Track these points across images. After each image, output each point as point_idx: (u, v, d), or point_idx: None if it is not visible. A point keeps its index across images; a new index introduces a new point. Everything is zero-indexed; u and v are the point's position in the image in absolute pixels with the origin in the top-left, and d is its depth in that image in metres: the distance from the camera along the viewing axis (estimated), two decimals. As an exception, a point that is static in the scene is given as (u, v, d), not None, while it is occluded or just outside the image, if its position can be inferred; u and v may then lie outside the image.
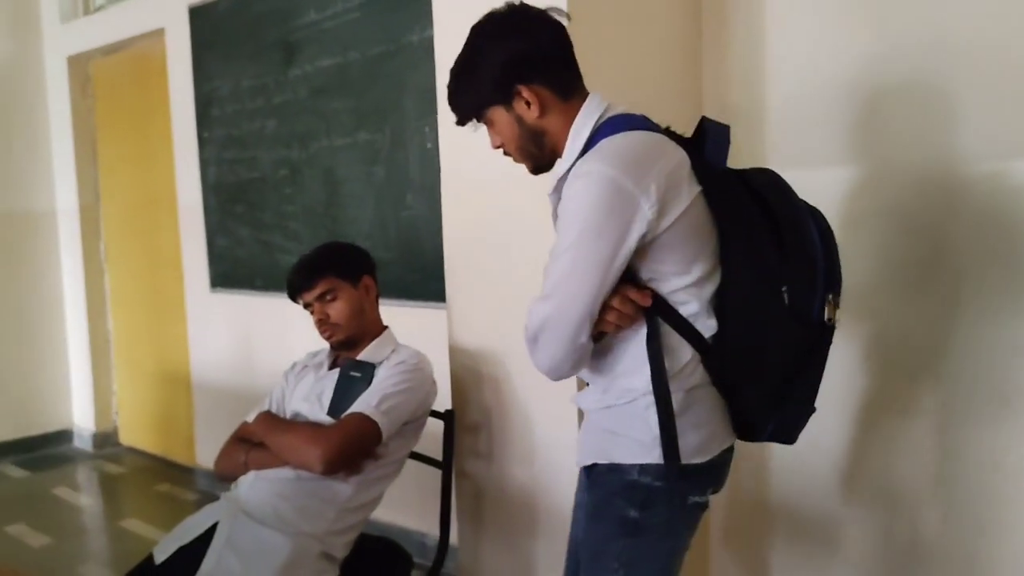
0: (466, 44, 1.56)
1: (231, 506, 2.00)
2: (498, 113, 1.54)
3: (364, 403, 2.00)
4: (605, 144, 1.44)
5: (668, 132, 1.54)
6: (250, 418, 2.23)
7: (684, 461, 1.47)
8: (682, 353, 1.47)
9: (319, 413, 2.09)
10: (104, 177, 5.02)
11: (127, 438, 5.14)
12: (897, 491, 2.21)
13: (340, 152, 3.40)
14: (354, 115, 3.31)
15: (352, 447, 1.97)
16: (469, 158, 2.30)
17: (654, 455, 1.47)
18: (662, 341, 1.46)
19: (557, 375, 1.48)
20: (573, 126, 1.51)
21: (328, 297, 2.14)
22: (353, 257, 2.24)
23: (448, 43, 2.25)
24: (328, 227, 3.51)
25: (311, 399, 2.13)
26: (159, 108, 4.41)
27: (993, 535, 2.08)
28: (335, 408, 2.06)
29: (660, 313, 1.46)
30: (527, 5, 1.56)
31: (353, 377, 2.09)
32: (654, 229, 1.40)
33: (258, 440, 2.11)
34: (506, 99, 1.52)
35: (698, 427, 1.49)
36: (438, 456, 2.24)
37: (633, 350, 1.48)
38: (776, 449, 2.39)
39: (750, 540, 2.50)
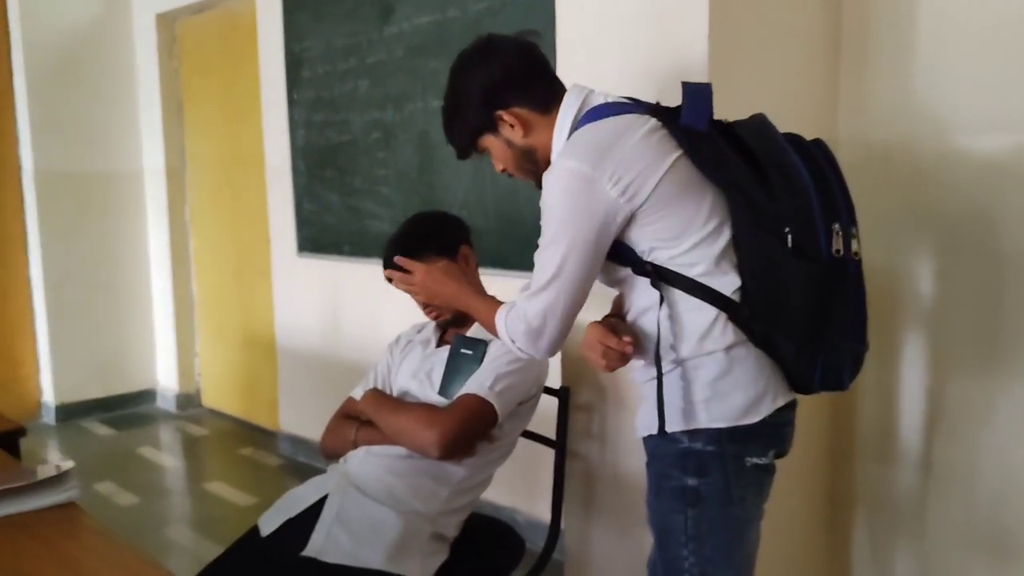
0: (448, 83, 1.68)
1: (341, 480, 1.92)
2: (489, 140, 1.65)
3: (478, 384, 1.89)
4: (571, 139, 1.54)
5: (655, 106, 1.58)
6: (356, 394, 2.14)
7: (732, 423, 1.48)
8: (703, 314, 1.48)
9: (429, 392, 1.99)
10: (190, 138, 5.00)
11: (209, 400, 5.17)
12: None
13: (436, 115, 3.22)
14: (452, 76, 3.19)
15: (468, 431, 1.87)
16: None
17: (700, 420, 1.49)
18: (677, 308, 1.49)
19: (546, 350, 1.55)
20: (555, 128, 1.59)
21: None
22: (448, 228, 2.11)
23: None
24: (421, 193, 3.41)
25: (420, 377, 2.02)
26: (247, 69, 4.35)
27: None
28: (446, 388, 1.96)
29: (665, 281, 1.49)
30: (493, 35, 1.68)
31: (464, 355, 1.98)
32: (632, 203, 1.45)
33: (367, 418, 2.02)
34: (492, 127, 1.62)
35: (745, 387, 1.49)
36: (544, 434, 2.12)
37: (651, 319, 1.53)
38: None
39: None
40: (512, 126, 1.60)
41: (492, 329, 1.64)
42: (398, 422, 1.92)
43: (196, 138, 4.97)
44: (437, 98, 3.23)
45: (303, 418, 4.26)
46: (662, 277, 1.50)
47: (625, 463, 2.15)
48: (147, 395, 5.30)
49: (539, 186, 1.63)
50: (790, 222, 1.45)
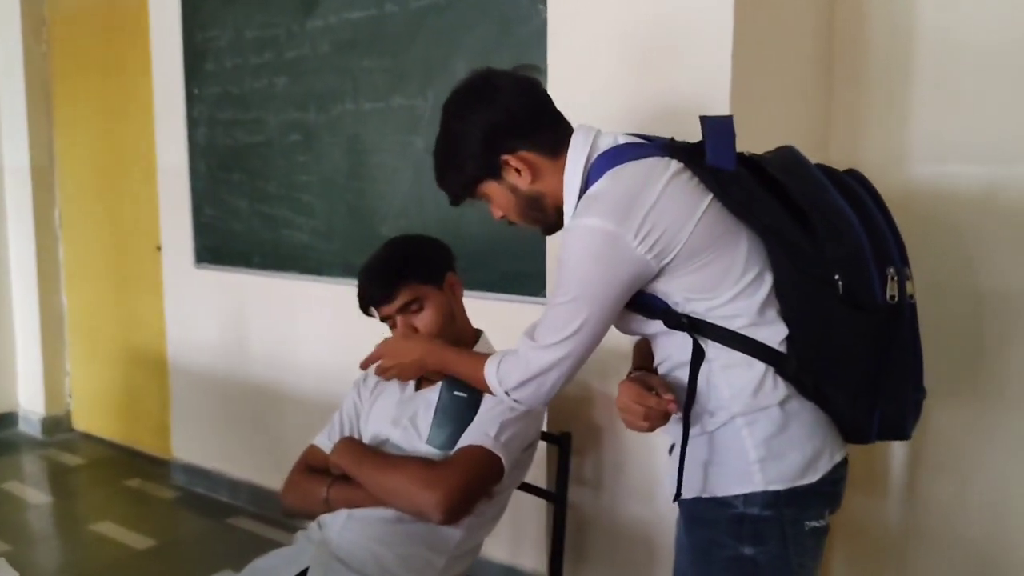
0: (441, 124, 1.54)
1: (320, 552, 1.65)
2: (491, 187, 1.51)
3: (481, 433, 1.67)
4: (591, 192, 1.40)
5: (672, 144, 1.46)
6: (321, 442, 1.88)
7: (790, 484, 1.36)
8: (752, 368, 1.36)
9: (416, 442, 1.75)
10: (61, 133, 4.48)
11: (82, 423, 4.66)
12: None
13: (369, 118, 3.01)
14: (389, 76, 2.92)
15: (475, 489, 1.65)
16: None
17: (755, 482, 1.36)
18: (718, 362, 1.37)
19: (533, 401, 1.47)
20: (564, 178, 1.46)
21: (413, 307, 1.79)
22: (433, 253, 1.87)
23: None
24: (350, 202, 3.12)
25: (403, 423, 1.78)
26: (133, 58, 3.91)
27: None
28: (437, 436, 1.72)
29: (703, 334, 1.38)
30: (492, 71, 1.53)
31: (458, 398, 1.74)
32: (661, 260, 1.34)
33: (340, 472, 1.75)
34: (495, 173, 1.49)
35: (801, 444, 1.37)
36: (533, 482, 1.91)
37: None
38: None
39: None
40: (518, 172, 1.48)
41: (478, 381, 1.51)
42: (388, 481, 1.66)
43: (68, 133, 4.46)
44: (371, 100, 2.98)
45: (200, 444, 3.88)
46: (699, 330, 1.38)
47: (625, 510, 1.97)
48: (7, 419, 4.73)
49: (546, 233, 1.57)
50: (839, 268, 1.32)
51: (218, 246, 3.63)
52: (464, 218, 2.78)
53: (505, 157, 1.47)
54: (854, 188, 1.40)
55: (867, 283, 1.32)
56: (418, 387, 1.85)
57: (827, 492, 1.40)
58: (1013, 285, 1.99)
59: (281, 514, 1.87)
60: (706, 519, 1.42)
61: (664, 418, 1.39)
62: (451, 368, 1.62)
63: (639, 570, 1.98)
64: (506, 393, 1.46)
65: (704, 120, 1.43)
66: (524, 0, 2.49)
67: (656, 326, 1.42)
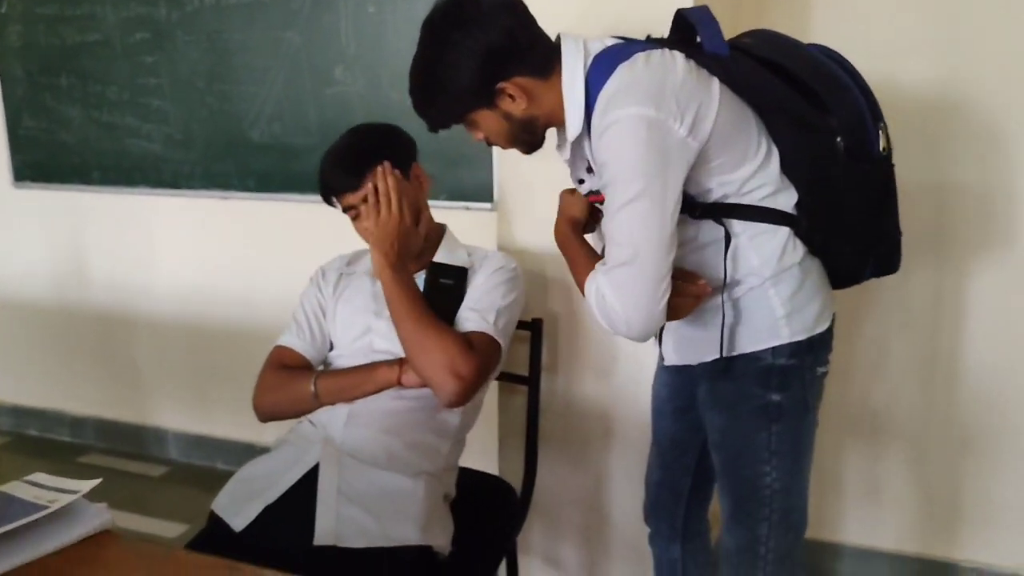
0: (424, 46, 1.42)
1: (328, 449, 1.58)
2: (482, 115, 1.45)
3: (484, 320, 1.64)
4: (611, 88, 1.34)
5: (650, 40, 1.46)
6: (287, 341, 1.77)
7: (809, 334, 1.47)
8: (776, 235, 1.45)
9: None
10: None
11: None
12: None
13: (233, 13, 2.78)
14: (256, -34, 2.71)
15: (485, 375, 1.64)
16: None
17: (783, 335, 1.45)
18: (748, 235, 1.44)
19: (652, 331, 1.38)
20: (563, 91, 1.41)
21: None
22: (400, 142, 1.77)
23: None
24: (212, 106, 2.88)
25: (384, 314, 1.70)
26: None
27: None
28: None
29: (737, 217, 1.44)
30: None
31: (444, 285, 1.71)
32: (699, 140, 1.34)
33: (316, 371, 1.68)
34: (489, 102, 1.42)
35: (816, 296, 1.49)
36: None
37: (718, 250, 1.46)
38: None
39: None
40: (513, 98, 1.41)
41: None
42: (428, 340, 1.59)
43: None
44: (234, -7, 2.75)
45: (32, 383, 3.52)
46: (726, 213, 1.44)
47: (582, 393, 2.03)
48: None
49: (527, 152, 1.52)
50: (842, 132, 1.41)
51: (43, 161, 3.25)
52: (349, 120, 2.67)
53: (501, 85, 1.40)
54: (833, 55, 1.50)
55: (866, 141, 1.43)
56: None
57: (828, 339, 1.53)
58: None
59: (258, 418, 1.75)
60: (734, 374, 1.49)
61: (698, 302, 1.44)
62: (569, 253, 1.55)
63: (595, 443, 2.06)
64: (610, 327, 1.39)
65: (685, 12, 1.45)
66: None
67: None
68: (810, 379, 1.50)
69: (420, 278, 1.73)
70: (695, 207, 1.43)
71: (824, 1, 2.19)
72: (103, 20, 2.99)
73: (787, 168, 1.44)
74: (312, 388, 1.65)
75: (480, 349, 1.61)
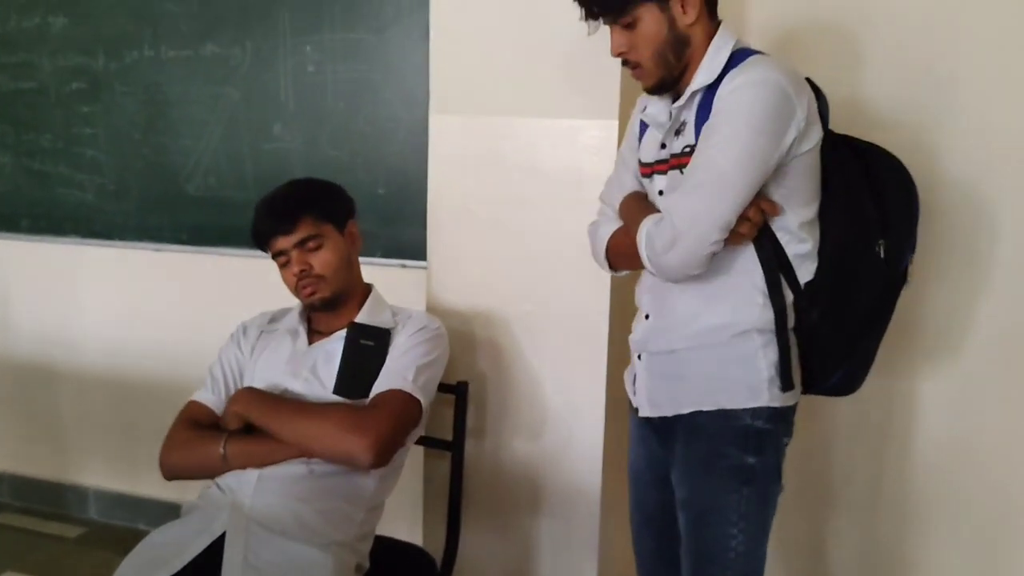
0: None
1: (236, 516, 1.53)
2: (650, 11, 1.43)
3: (400, 377, 1.63)
4: (761, 58, 1.42)
5: None
6: (201, 397, 1.74)
7: (783, 404, 1.47)
8: (786, 293, 1.46)
9: (320, 391, 1.67)
10: None
11: None
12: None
13: (172, 66, 2.76)
14: (197, 22, 2.70)
15: (400, 433, 1.61)
16: (461, 87, 1.97)
17: (764, 398, 1.45)
18: (767, 279, 1.45)
19: (684, 275, 1.42)
20: (712, 44, 1.46)
21: (311, 244, 1.72)
22: (337, 196, 1.81)
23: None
24: (148, 158, 2.85)
25: (302, 375, 1.69)
26: None
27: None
28: (345, 385, 1.66)
29: (774, 248, 1.45)
30: None
31: (365, 346, 1.69)
32: (803, 144, 1.40)
33: (237, 427, 1.64)
34: None
35: (794, 369, 1.49)
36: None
37: (739, 282, 1.46)
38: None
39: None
40: (684, 8, 1.43)
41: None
42: (312, 427, 1.58)
43: None
44: (175, 47, 2.76)
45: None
46: (765, 248, 1.44)
47: (509, 455, 2.01)
48: None
49: (656, 86, 1.50)
50: (889, 238, 1.48)
51: (-33, 208, 3.17)
52: (287, 175, 2.66)
53: None
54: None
55: (903, 257, 1.50)
56: (311, 341, 1.77)
57: (792, 415, 1.54)
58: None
59: (163, 476, 1.69)
60: (708, 431, 1.49)
61: (753, 231, 1.42)
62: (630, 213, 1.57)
63: (522, 507, 2.04)
64: (656, 253, 1.41)
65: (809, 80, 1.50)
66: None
67: None
68: (781, 447, 1.52)
69: (339, 338, 1.71)
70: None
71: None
72: (39, 68, 2.95)
73: (823, 244, 1.47)
74: (221, 451, 1.61)
75: (392, 405, 1.60)
